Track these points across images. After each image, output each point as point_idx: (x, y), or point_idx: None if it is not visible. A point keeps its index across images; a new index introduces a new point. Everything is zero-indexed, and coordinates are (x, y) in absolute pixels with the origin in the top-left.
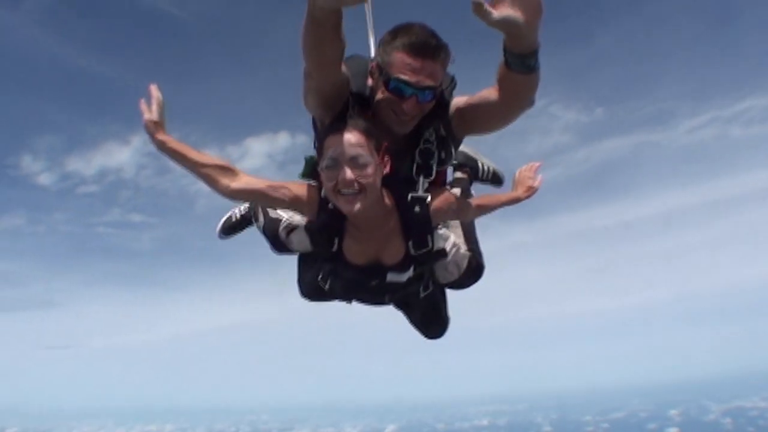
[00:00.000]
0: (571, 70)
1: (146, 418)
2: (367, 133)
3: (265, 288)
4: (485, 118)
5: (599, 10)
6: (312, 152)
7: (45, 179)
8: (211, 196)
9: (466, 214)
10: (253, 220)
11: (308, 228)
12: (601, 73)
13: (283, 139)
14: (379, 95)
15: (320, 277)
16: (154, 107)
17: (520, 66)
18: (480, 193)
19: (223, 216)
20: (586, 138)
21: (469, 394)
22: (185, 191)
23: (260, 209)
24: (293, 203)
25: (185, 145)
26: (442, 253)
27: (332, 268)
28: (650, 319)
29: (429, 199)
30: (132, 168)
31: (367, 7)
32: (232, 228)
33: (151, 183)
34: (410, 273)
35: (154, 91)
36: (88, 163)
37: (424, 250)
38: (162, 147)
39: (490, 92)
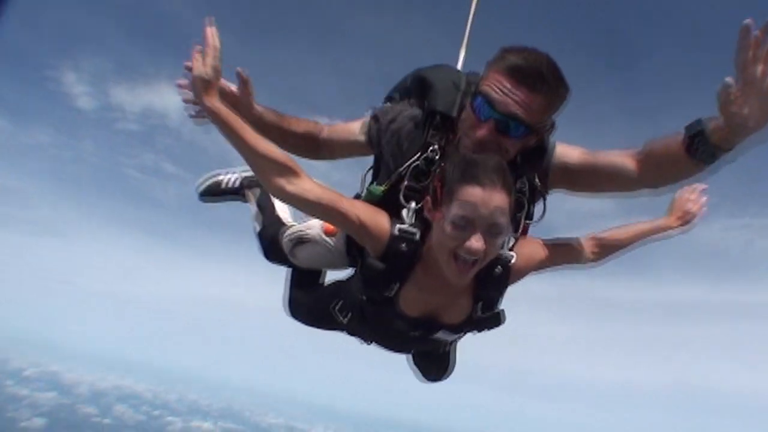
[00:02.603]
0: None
1: (123, 370)
2: (510, 192)
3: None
4: (603, 183)
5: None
6: (370, 172)
7: (85, 103)
8: None
9: (571, 260)
10: (250, 203)
11: (368, 265)
12: None
13: None
14: (464, 114)
15: (337, 307)
16: (209, 60)
17: (707, 157)
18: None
19: (213, 173)
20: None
21: (448, 425)
22: (226, 154)
23: (264, 200)
24: (357, 230)
25: (241, 121)
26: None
27: (363, 306)
28: (632, 398)
29: (514, 260)
30: (177, 116)
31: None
32: (217, 194)
33: (193, 137)
34: (461, 334)
35: (211, 35)
36: (134, 99)
37: (490, 314)
38: (211, 115)
39: (624, 160)
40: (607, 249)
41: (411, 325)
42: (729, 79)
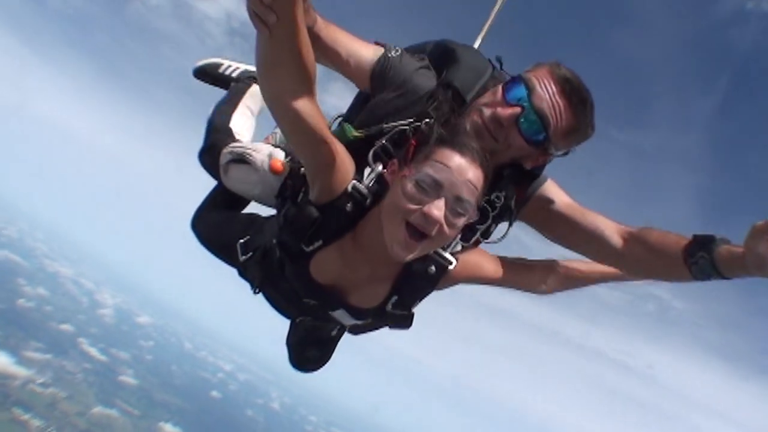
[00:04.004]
0: None
1: None
2: (486, 176)
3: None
4: (578, 242)
5: None
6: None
7: None
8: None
9: (522, 286)
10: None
11: (303, 208)
12: None
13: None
14: (484, 97)
15: (242, 241)
16: None
17: (701, 274)
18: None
19: (215, 57)
20: None
21: (233, 336)
22: None
23: (227, 103)
24: (324, 168)
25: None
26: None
27: (269, 252)
28: (417, 375)
29: (452, 266)
30: None
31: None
32: (213, 76)
33: None
34: (359, 323)
35: None
36: None
37: (401, 312)
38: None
39: (612, 232)
40: (567, 283)
41: (312, 291)
42: None
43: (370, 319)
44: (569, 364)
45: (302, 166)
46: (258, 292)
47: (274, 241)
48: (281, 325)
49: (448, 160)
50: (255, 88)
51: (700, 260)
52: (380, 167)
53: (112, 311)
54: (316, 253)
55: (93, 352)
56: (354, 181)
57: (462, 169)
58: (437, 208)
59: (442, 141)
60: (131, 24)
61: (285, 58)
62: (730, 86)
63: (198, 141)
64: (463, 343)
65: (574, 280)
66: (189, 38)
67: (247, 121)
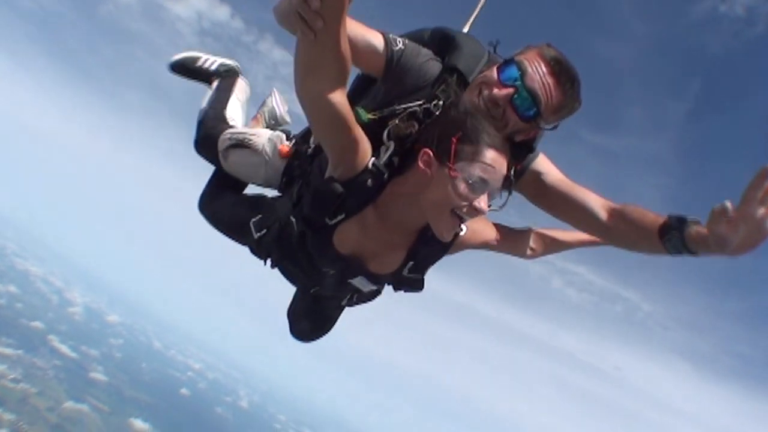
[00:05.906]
0: None
1: None
2: (510, 162)
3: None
4: (568, 213)
5: None
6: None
7: None
8: None
9: (513, 251)
10: (211, 89)
11: (327, 185)
12: None
13: (222, 12)
14: (479, 78)
15: (256, 220)
16: None
17: (673, 250)
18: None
19: (191, 51)
20: None
21: (201, 335)
22: None
23: (223, 92)
24: (348, 150)
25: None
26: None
27: (285, 227)
28: (388, 374)
29: (463, 232)
30: None
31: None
32: (190, 70)
33: None
34: (377, 287)
35: None
36: None
37: (416, 276)
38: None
39: (599, 206)
40: (548, 248)
41: (333, 261)
42: (729, 205)
43: (386, 284)
44: (538, 366)
45: (308, 147)
46: (274, 267)
47: (291, 217)
48: (249, 323)
49: (494, 161)
50: (241, 81)
51: (673, 238)
52: (393, 145)
53: (82, 309)
54: (338, 226)
55: (63, 349)
56: (373, 158)
57: (501, 167)
58: (484, 202)
59: (483, 140)
60: (102, 25)
61: (328, 61)
62: (701, 90)
63: (168, 140)
64: (433, 345)
65: (556, 245)
66: (160, 39)
67: (238, 111)
